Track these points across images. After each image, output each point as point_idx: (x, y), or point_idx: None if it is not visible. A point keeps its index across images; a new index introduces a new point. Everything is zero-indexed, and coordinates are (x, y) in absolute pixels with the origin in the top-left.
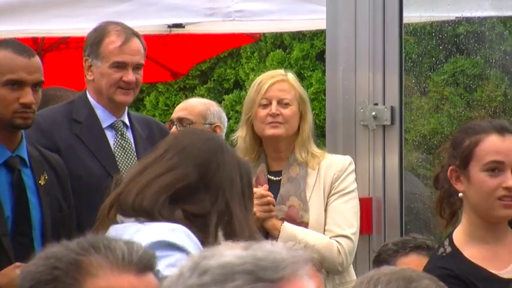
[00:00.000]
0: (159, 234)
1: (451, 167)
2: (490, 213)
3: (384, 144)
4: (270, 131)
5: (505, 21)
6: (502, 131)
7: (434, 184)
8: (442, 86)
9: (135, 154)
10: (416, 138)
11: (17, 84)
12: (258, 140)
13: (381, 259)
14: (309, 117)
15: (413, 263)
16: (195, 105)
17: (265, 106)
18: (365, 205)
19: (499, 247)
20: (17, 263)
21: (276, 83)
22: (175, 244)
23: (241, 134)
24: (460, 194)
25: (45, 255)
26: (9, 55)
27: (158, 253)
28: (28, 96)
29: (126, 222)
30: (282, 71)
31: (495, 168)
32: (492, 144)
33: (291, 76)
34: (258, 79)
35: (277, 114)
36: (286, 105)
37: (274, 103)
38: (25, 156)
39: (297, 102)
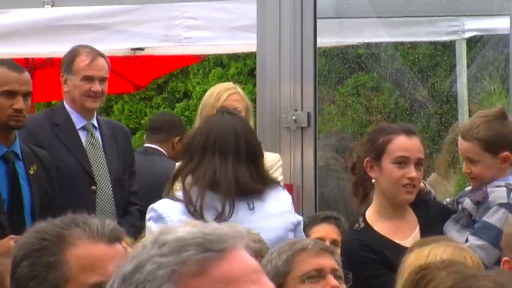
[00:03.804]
0: None
1: (367, 158)
2: (396, 197)
3: (302, 142)
4: None
5: (396, 45)
6: (409, 132)
7: (351, 171)
8: (346, 96)
9: (102, 150)
10: (327, 138)
11: (10, 94)
12: None
13: None
14: (252, 122)
15: (324, 229)
16: None
17: None
18: (287, 190)
19: (402, 222)
20: (11, 235)
21: (232, 94)
22: None
23: None
24: (373, 180)
25: (36, 230)
26: (4, 71)
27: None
28: (20, 103)
29: None
30: (232, 84)
31: (402, 161)
32: (401, 143)
33: (240, 89)
34: (215, 90)
35: None
36: (239, 112)
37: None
38: (18, 151)
39: (245, 111)
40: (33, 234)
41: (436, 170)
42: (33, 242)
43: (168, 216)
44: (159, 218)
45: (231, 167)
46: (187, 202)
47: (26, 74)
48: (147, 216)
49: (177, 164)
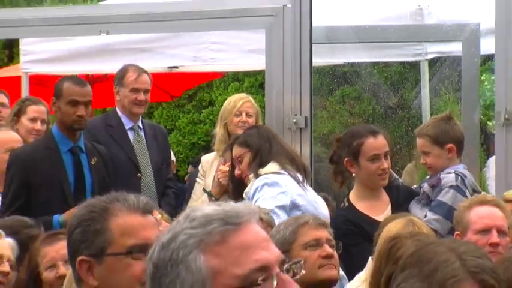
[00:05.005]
0: None
1: (346, 159)
2: (374, 185)
3: (300, 140)
4: (241, 131)
5: (373, 64)
6: (374, 133)
7: (330, 162)
8: (335, 104)
9: (146, 146)
10: (320, 136)
11: (74, 103)
12: (228, 137)
13: None
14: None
15: None
16: None
17: (237, 116)
18: None
19: (377, 202)
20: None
21: (245, 102)
22: None
23: (219, 132)
24: (354, 174)
25: (86, 205)
26: (70, 85)
27: None
28: (81, 111)
29: None
30: (245, 94)
31: (374, 158)
32: (371, 144)
33: (252, 98)
34: (232, 99)
35: (245, 121)
36: (250, 116)
37: (244, 114)
38: (82, 146)
39: (256, 115)
40: (84, 208)
41: (412, 161)
42: (84, 214)
43: (282, 181)
44: (274, 184)
45: (288, 146)
46: (293, 176)
47: (88, 88)
48: (259, 183)
49: (205, 159)
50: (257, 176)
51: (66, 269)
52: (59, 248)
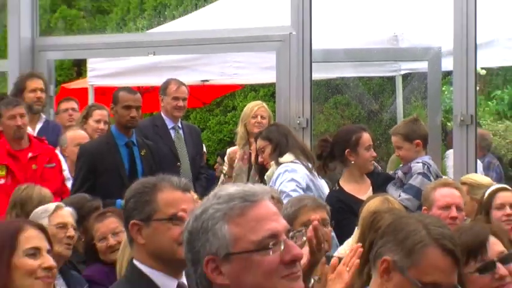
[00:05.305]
0: None
1: (347, 150)
2: (366, 169)
3: (303, 137)
4: (257, 130)
5: (359, 78)
6: (365, 129)
7: (317, 158)
8: (329, 109)
9: (184, 141)
10: (318, 134)
11: (128, 107)
12: (247, 134)
13: None
14: None
15: None
16: None
17: (254, 118)
18: None
19: (361, 185)
20: None
21: (260, 107)
22: None
23: (240, 130)
24: (352, 162)
25: (140, 181)
26: (125, 93)
27: None
28: (133, 113)
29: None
30: (260, 101)
31: (369, 147)
32: (366, 137)
33: (265, 105)
34: (250, 105)
35: (260, 122)
36: (264, 118)
37: (259, 117)
38: (135, 141)
39: (269, 118)
40: (139, 184)
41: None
42: (138, 188)
43: (298, 169)
44: (293, 170)
45: (300, 140)
46: (305, 165)
47: (138, 95)
48: (281, 170)
49: (230, 150)
50: (278, 163)
51: (114, 240)
52: (108, 223)
